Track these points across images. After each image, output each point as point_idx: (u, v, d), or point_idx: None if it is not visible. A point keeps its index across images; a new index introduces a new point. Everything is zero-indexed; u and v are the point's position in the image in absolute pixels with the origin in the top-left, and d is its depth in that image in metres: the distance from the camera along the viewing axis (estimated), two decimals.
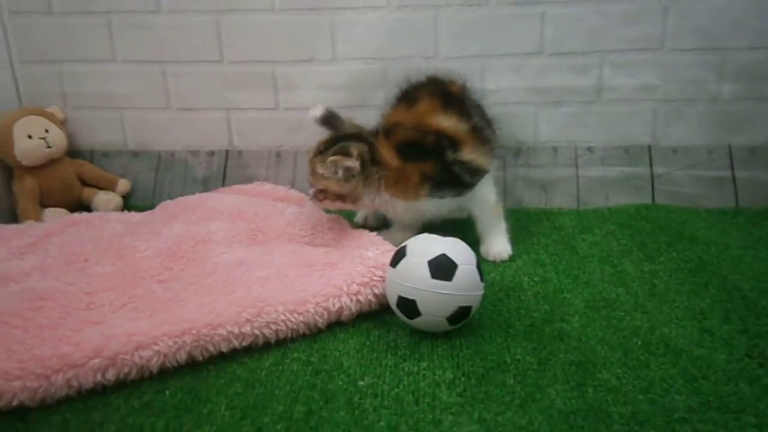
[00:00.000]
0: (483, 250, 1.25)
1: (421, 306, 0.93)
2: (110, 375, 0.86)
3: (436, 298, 0.92)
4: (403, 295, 0.94)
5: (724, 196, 1.49)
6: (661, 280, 1.14)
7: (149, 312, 0.99)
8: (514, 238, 1.33)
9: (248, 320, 0.95)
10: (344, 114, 1.52)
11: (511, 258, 1.25)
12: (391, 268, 0.98)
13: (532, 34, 1.46)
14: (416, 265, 0.94)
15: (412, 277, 0.94)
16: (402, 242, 1.01)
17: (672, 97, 1.48)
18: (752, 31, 1.42)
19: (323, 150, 1.20)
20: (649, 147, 1.51)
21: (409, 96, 1.30)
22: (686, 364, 0.89)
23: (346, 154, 1.15)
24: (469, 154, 1.20)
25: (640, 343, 0.95)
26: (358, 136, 1.21)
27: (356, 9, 1.47)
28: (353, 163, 1.15)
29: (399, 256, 0.97)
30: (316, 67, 1.52)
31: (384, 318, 1.03)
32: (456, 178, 1.20)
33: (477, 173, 1.22)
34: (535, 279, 1.16)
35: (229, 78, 1.55)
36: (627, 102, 1.49)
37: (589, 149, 1.53)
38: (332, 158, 1.15)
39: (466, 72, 1.46)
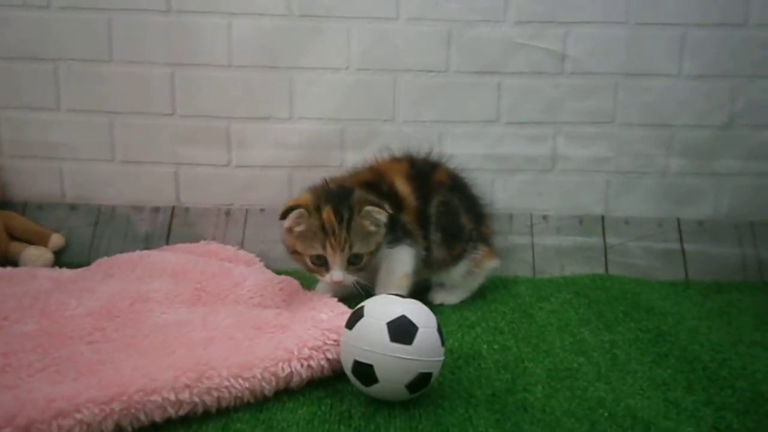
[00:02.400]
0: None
1: (378, 371, 0.87)
2: None
3: (395, 363, 0.86)
4: (360, 359, 0.88)
5: (675, 269, 1.51)
6: (622, 350, 1.11)
7: (74, 375, 0.88)
8: (471, 305, 1.29)
9: (187, 385, 0.85)
10: (300, 174, 1.50)
11: (470, 325, 1.20)
12: (346, 330, 0.91)
13: (489, 103, 1.49)
14: (374, 326, 0.88)
15: (370, 339, 0.87)
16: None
17: (623, 169, 1.52)
18: (697, 111, 1.49)
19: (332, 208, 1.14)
20: (602, 217, 1.54)
21: (401, 158, 1.34)
22: None
23: (375, 204, 1.16)
24: (405, 217, 1.24)
25: (606, 414, 0.90)
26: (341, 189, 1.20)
27: (315, 69, 1.47)
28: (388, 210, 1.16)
29: (356, 317, 0.91)
30: (272, 125, 1.50)
31: (337, 386, 0.96)
32: (391, 222, 1.20)
33: (405, 232, 1.23)
34: (495, 347, 1.12)
35: (181, 132, 1.50)
36: (581, 173, 1.52)
37: (545, 218, 1.53)
38: (368, 208, 1.14)
39: (424, 137, 1.48)
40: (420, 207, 1.26)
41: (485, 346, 1.12)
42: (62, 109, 1.49)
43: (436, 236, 1.26)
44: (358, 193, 1.17)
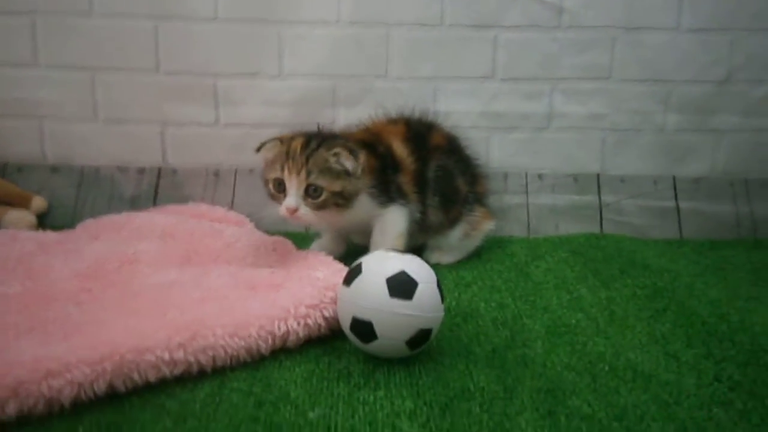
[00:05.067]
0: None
1: (378, 328, 0.85)
2: (11, 409, 0.71)
3: (395, 319, 0.84)
4: (358, 315, 0.86)
5: (669, 227, 1.50)
6: (619, 306, 1.11)
7: (62, 336, 0.85)
8: (467, 265, 1.28)
9: (181, 345, 0.83)
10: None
11: (466, 284, 1.19)
12: (344, 287, 0.89)
13: (484, 58, 1.45)
14: (373, 282, 0.86)
15: (369, 295, 0.85)
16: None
17: (620, 126, 1.49)
18: (696, 65, 1.46)
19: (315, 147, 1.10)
20: (598, 176, 1.52)
21: (397, 119, 1.31)
22: (657, 389, 0.84)
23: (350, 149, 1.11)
24: (402, 179, 1.21)
25: (606, 368, 0.89)
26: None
27: (306, 23, 1.42)
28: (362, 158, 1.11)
29: (353, 273, 0.89)
30: (261, 82, 1.45)
31: (334, 344, 0.94)
32: (387, 184, 1.18)
33: (399, 193, 1.20)
34: (492, 304, 1.11)
35: (166, 89, 1.44)
36: (577, 130, 1.50)
37: (540, 176, 1.51)
38: (338, 149, 1.09)
39: (418, 94, 1.44)
40: (417, 170, 1.23)
41: (483, 304, 1.11)
42: (41, 65, 1.43)
43: (433, 200, 1.24)
44: (342, 138, 1.14)
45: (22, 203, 1.42)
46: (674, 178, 1.51)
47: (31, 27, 1.40)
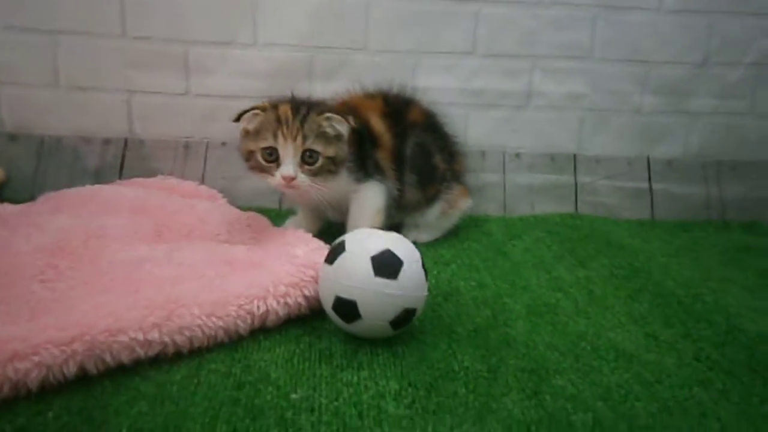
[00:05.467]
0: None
1: (361, 308, 0.83)
2: None
3: (380, 299, 0.82)
4: (342, 295, 0.83)
5: (642, 208, 1.52)
6: (597, 285, 1.11)
7: (28, 316, 0.81)
8: (445, 243, 1.27)
9: (156, 325, 0.79)
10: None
11: (445, 263, 1.18)
12: (326, 265, 0.87)
13: (465, 34, 1.42)
14: (357, 261, 0.83)
15: (353, 274, 0.83)
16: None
17: (598, 106, 1.49)
18: (675, 47, 1.46)
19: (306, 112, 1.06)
20: (574, 156, 1.51)
21: (375, 94, 1.27)
22: (638, 369, 0.85)
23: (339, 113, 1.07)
24: (379, 155, 1.18)
25: (589, 348, 0.90)
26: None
27: None
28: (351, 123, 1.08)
29: (336, 251, 0.86)
30: (235, 51, 1.39)
31: (314, 324, 0.92)
32: (364, 159, 1.15)
33: (377, 169, 1.17)
34: (472, 284, 1.10)
35: (133, 55, 1.37)
36: (555, 109, 1.49)
37: (517, 155, 1.50)
38: (329, 114, 1.06)
39: (397, 68, 1.40)
40: (395, 146, 1.20)
41: (462, 283, 1.10)
42: None
43: (411, 178, 1.22)
44: (325, 104, 1.12)
45: None
46: (648, 159, 1.52)
47: None
